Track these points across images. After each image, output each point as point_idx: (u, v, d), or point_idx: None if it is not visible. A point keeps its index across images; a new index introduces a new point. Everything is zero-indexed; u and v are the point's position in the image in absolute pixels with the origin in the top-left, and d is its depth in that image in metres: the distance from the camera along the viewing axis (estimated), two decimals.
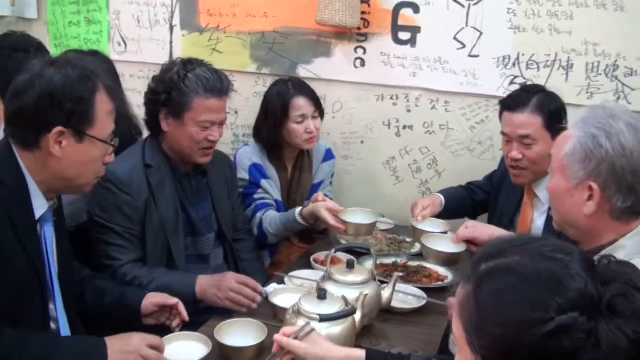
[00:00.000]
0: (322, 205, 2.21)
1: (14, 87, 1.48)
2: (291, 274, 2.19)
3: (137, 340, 1.54)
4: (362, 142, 2.99)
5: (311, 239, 2.68)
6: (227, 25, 3.19)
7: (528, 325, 0.85)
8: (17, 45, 2.22)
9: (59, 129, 1.47)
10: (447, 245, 2.02)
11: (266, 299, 1.96)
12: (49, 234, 1.59)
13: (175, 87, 2.07)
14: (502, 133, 2.19)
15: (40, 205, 1.53)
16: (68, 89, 1.47)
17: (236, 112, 3.27)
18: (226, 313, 1.91)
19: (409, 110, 2.85)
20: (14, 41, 2.27)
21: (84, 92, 1.49)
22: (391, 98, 2.87)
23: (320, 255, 2.32)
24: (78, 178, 1.56)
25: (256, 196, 2.56)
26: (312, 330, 1.46)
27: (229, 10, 3.17)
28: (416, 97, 2.81)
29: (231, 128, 3.31)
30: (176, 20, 3.33)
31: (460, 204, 2.46)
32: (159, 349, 1.56)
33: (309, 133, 2.54)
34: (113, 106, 1.58)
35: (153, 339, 1.56)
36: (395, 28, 2.78)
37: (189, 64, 2.13)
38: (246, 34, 3.14)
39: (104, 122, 1.55)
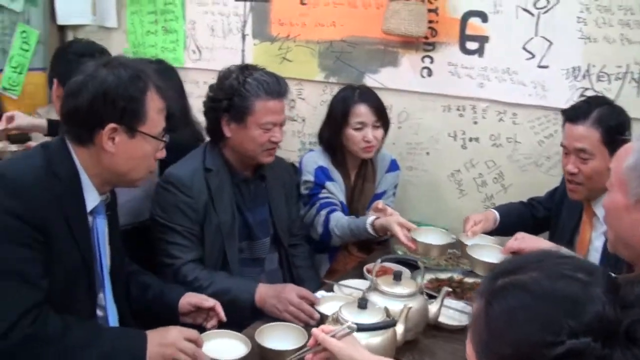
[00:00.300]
0: (395, 220, 2.24)
1: (69, 88, 1.64)
2: (341, 282, 2.25)
3: (175, 333, 1.64)
4: (428, 153, 3.03)
5: (370, 249, 2.75)
6: (296, 35, 3.34)
7: (538, 346, 0.85)
8: (82, 50, 2.46)
9: (112, 125, 1.61)
10: (494, 257, 2.04)
11: (311, 304, 2.04)
12: (100, 226, 1.73)
13: (236, 92, 2.21)
14: (562, 144, 2.18)
15: (92, 199, 1.68)
16: (120, 89, 1.61)
17: (303, 120, 3.41)
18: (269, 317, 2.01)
19: (475, 122, 2.87)
20: (79, 47, 2.52)
21: (135, 91, 1.63)
22: (458, 109, 2.90)
23: (369, 266, 2.38)
24: (130, 172, 1.70)
25: (321, 195, 2.63)
26: (351, 332, 1.51)
27: (299, 20, 3.32)
28: (483, 108, 2.83)
29: (298, 136, 3.45)
30: (248, 30, 3.52)
31: (518, 220, 2.43)
32: (197, 343, 1.66)
33: (366, 142, 2.60)
34: (163, 105, 1.72)
35: (191, 332, 1.67)
36: (463, 37, 2.81)
37: (246, 69, 2.27)
38: (315, 43, 3.28)
39: (154, 119, 1.68)
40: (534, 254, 0.98)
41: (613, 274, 0.96)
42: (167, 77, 2.76)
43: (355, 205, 2.74)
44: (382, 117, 2.65)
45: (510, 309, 0.89)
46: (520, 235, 2.00)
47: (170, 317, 1.90)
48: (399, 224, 2.21)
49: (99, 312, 1.78)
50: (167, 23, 3.86)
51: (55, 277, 1.57)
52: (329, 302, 2.05)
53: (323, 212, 2.56)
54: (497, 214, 2.40)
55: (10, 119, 2.88)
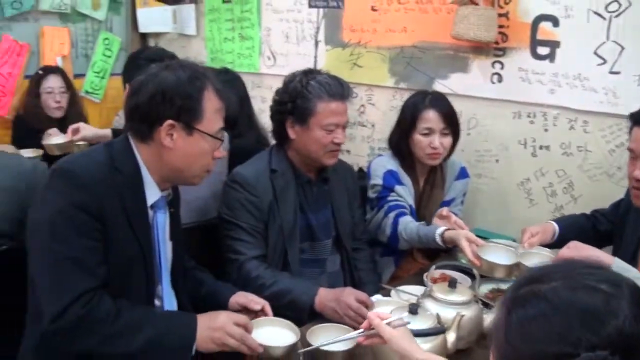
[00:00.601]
0: (464, 235, 2.27)
1: (132, 87, 1.82)
2: (399, 288, 2.35)
3: (224, 318, 1.77)
4: (497, 160, 3.08)
5: (435, 256, 2.81)
6: (367, 41, 3.47)
7: (553, 358, 0.87)
8: (152, 56, 2.70)
9: (169, 122, 1.74)
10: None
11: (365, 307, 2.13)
12: (160, 220, 1.89)
13: (299, 94, 2.35)
14: (629, 149, 2.14)
15: (153, 194, 1.84)
16: (178, 87, 1.75)
17: (373, 126, 3.54)
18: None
19: (546, 130, 2.89)
20: (150, 53, 2.78)
21: (192, 90, 1.76)
22: (528, 116, 2.93)
23: (434, 272, 2.46)
24: (188, 169, 1.83)
25: (390, 198, 2.70)
26: (405, 324, 1.57)
27: (370, 26, 3.45)
28: (554, 115, 2.85)
29: (367, 141, 3.58)
30: (321, 36, 3.69)
31: (579, 233, 2.37)
32: (246, 328, 1.77)
33: (432, 148, 2.66)
34: (221, 105, 1.84)
35: (240, 317, 1.79)
36: (534, 42, 2.84)
37: (310, 73, 2.42)
38: (385, 48, 3.40)
39: (211, 118, 1.80)
40: (560, 262, 1.02)
41: None
42: (232, 85, 3.02)
43: (422, 211, 2.81)
44: (451, 125, 2.70)
45: (528, 319, 0.91)
46: (573, 244, 2.00)
47: None
48: (467, 238, 2.24)
49: (157, 302, 1.93)
50: (244, 30, 4.10)
51: (113, 266, 1.73)
52: (383, 307, 2.10)
53: (391, 215, 2.62)
54: (556, 226, 2.39)
55: (76, 130, 3.19)
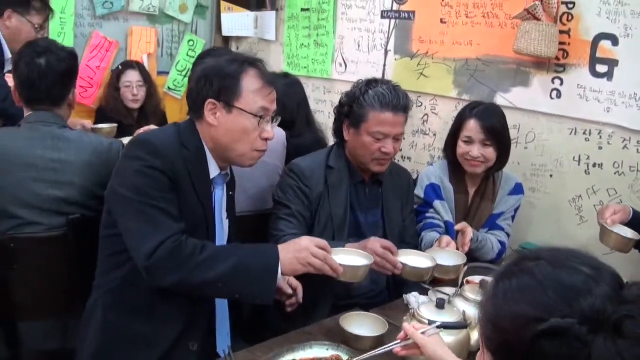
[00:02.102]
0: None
1: (189, 77, 2.13)
2: (437, 288, 2.46)
3: (307, 241, 1.96)
4: (551, 175, 3.15)
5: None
6: (435, 52, 3.62)
7: (525, 321, 0.97)
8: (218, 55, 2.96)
9: (211, 101, 1.99)
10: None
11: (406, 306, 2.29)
12: (218, 196, 2.13)
13: (356, 101, 2.53)
14: None
15: (213, 170, 2.08)
16: (217, 70, 2.01)
17: (435, 135, 3.67)
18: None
19: (600, 148, 2.94)
20: (217, 53, 3.04)
21: (230, 71, 2.00)
22: (584, 133, 2.99)
23: (475, 278, 2.56)
24: (232, 145, 2.03)
25: (427, 215, 2.86)
26: (437, 333, 1.72)
27: (439, 38, 3.60)
28: (609, 134, 2.89)
29: (429, 150, 3.71)
30: (391, 46, 3.87)
31: None
32: (326, 250, 1.95)
33: (470, 156, 2.79)
34: (262, 85, 2.03)
35: (320, 241, 1.97)
36: (594, 60, 2.91)
37: (373, 82, 2.58)
38: (451, 60, 3.54)
39: (250, 97, 2.00)
40: (552, 247, 1.10)
41: None
42: (291, 88, 3.28)
43: (469, 221, 2.88)
44: (494, 137, 2.79)
45: (512, 288, 1.02)
46: None
47: None
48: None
49: None
50: (319, 38, 4.33)
51: (184, 222, 1.95)
52: (404, 256, 2.29)
53: (422, 234, 2.81)
54: (631, 209, 2.45)
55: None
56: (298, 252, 1.92)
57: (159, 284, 1.88)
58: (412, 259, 2.28)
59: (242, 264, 1.88)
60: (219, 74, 2.02)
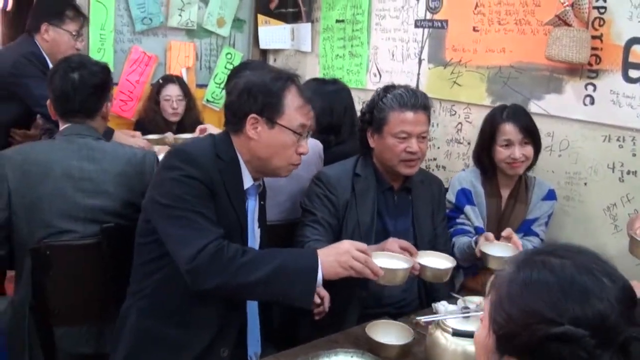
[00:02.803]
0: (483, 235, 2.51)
1: (228, 88, 2.17)
2: (467, 297, 2.46)
3: (347, 245, 1.98)
4: (585, 184, 3.09)
5: None
6: (468, 60, 3.61)
7: (539, 319, 0.99)
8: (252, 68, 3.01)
9: (253, 116, 2.03)
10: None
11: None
12: (250, 205, 2.18)
13: (376, 106, 2.57)
14: None
15: (247, 181, 2.13)
16: (262, 86, 2.05)
17: (469, 143, 3.64)
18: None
19: (634, 155, 2.87)
20: (251, 66, 3.09)
21: (274, 88, 2.05)
22: (617, 140, 2.93)
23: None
24: (270, 159, 2.08)
25: (458, 220, 2.88)
26: None
27: (471, 46, 3.59)
28: None
29: (463, 158, 3.69)
30: (424, 55, 3.87)
31: None
32: (366, 253, 1.97)
33: (512, 159, 2.80)
34: (303, 103, 2.09)
35: (360, 244, 2.00)
36: (626, 65, 2.86)
37: (391, 87, 2.62)
38: (484, 68, 3.51)
39: (292, 114, 2.06)
40: (577, 245, 1.11)
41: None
42: (338, 95, 3.31)
43: (504, 225, 2.84)
44: (530, 135, 2.83)
45: (532, 280, 1.03)
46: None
47: None
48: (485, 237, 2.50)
49: None
50: (354, 48, 4.36)
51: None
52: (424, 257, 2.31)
53: (454, 239, 2.82)
54: None
55: (204, 130, 3.56)
56: (339, 255, 1.95)
57: (201, 288, 1.91)
58: (431, 260, 2.30)
59: (283, 267, 1.91)
60: (263, 90, 2.06)
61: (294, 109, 2.07)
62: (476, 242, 2.55)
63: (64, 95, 2.49)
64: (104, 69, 2.60)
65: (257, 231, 2.25)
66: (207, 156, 2.03)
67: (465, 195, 2.91)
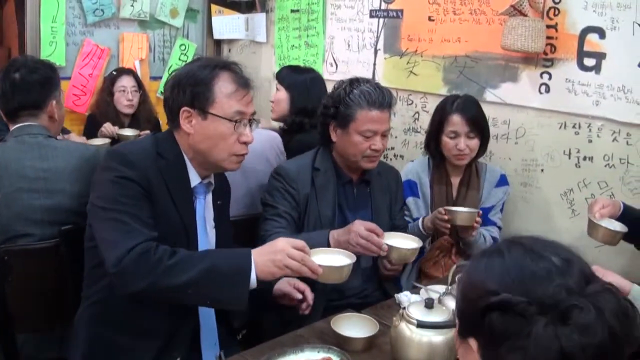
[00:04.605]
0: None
1: (164, 85, 2.08)
2: (429, 287, 2.45)
3: (283, 243, 1.85)
4: (542, 170, 3.12)
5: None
6: (424, 50, 3.59)
7: (484, 292, 1.02)
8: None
9: (185, 109, 1.95)
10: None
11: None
12: (199, 205, 2.08)
13: (342, 101, 2.51)
14: None
15: (194, 179, 2.05)
16: (188, 77, 1.96)
17: (426, 132, 3.64)
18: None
19: (590, 141, 2.91)
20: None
21: (201, 76, 1.95)
22: (573, 127, 2.97)
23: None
24: (211, 152, 1.99)
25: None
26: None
27: (427, 36, 3.57)
28: (598, 127, 2.87)
29: (420, 147, 3.62)
30: (380, 45, 3.84)
31: (635, 221, 2.40)
32: (304, 251, 1.85)
33: (458, 150, 2.84)
34: (236, 88, 1.98)
35: (297, 242, 1.87)
36: (581, 54, 2.88)
37: (356, 81, 2.57)
38: (440, 57, 3.51)
39: (223, 102, 1.96)
40: (535, 236, 1.12)
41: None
42: (314, 82, 3.34)
43: None
44: (477, 128, 2.86)
45: (483, 264, 1.08)
46: (596, 267, 2.04)
47: (266, 296, 2.15)
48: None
49: None
50: (309, 38, 4.30)
51: (160, 238, 1.88)
52: (391, 239, 2.29)
53: None
54: (622, 204, 2.44)
55: None
56: (273, 254, 1.83)
57: (128, 291, 1.81)
58: (397, 242, 2.28)
59: (213, 268, 1.81)
60: (191, 80, 1.97)
61: (226, 96, 1.98)
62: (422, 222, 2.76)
63: (4, 95, 2.43)
64: (45, 65, 2.53)
65: (212, 232, 2.16)
66: (146, 156, 1.95)
67: (409, 187, 2.95)
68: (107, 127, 3.95)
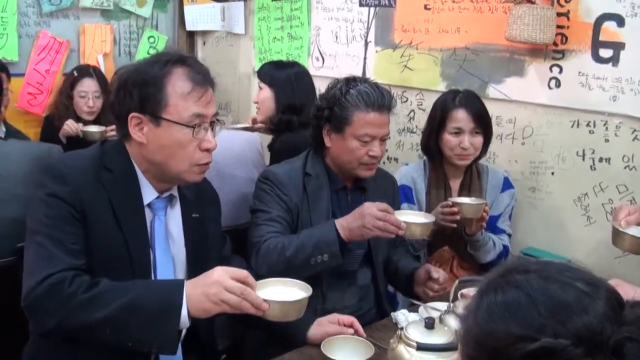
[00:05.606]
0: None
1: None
2: (428, 304, 2.32)
3: (220, 272, 1.64)
4: (553, 173, 3.01)
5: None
6: (419, 42, 3.47)
7: (514, 340, 0.92)
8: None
9: (134, 115, 1.76)
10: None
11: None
12: (158, 223, 1.90)
13: (337, 102, 2.39)
14: None
15: (148, 194, 1.87)
16: (136, 77, 1.77)
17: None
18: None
19: (607, 140, 2.81)
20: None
21: (150, 75, 1.76)
22: (587, 125, 2.86)
23: (469, 291, 2.42)
24: (167, 164, 1.80)
25: None
26: None
27: (423, 26, 3.45)
28: (616, 124, 2.76)
29: (416, 148, 3.54)
30: (371, 37, 3.72)
31: None
32: (246, 283, 1.64)
33: (462, 149, 2.75)
34: (192, 87, 1.78)
35: (238, 272, 1.66)
36: (596, 44, 2.78)
37: (353, 80, 2.44)
38: (437, 50, 3.39)
39: (177, 105, 1.76)
40: (541, 260, 1.04)
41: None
42: (301, 77, 3.24)
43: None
44: (481, 125, 2.78)
45: (498, 303, 0.97)
46: (614, 281, 1.98)
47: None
48: None
49: None
50: (293, 29, 4.18)
51: (96, 260, 1.75)
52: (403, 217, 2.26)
53: None
54: None
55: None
56: (208, 286, 1.63)
57: (39, 329, 1.67)
58: (409, 218, 2.29)
59: (135, 303, 1.64)
60: (138, 80, 1.78)
61: (181, 97, 1.77)
62: None
63: None
64: None
65: (181, 250, 1.98)
66: (85, 169, 1.79)
67: (404, 193, 2.87)
68: (70, 125, 3.78)
